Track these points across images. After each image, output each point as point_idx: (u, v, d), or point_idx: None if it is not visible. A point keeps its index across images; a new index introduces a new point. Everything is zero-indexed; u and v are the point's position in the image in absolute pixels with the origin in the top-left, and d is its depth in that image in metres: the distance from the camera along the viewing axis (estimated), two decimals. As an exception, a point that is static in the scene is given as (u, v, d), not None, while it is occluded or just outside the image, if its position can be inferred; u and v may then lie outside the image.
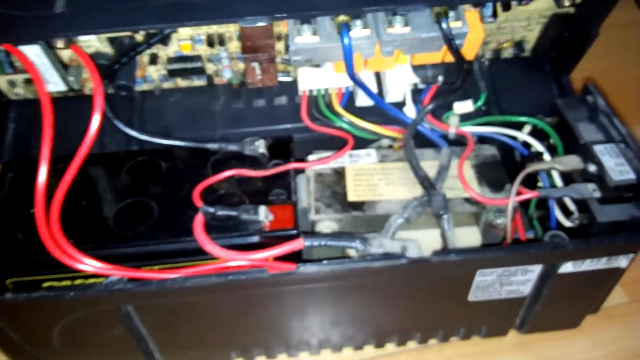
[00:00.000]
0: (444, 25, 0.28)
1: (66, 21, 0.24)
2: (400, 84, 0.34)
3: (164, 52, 0.32)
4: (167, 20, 0.25)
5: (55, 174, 0.28)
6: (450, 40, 0.29)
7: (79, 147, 0.27)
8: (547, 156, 0.32)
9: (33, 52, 0.28)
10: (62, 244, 0.27)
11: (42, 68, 0.30)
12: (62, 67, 0.31)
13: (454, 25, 0.29)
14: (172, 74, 0.33)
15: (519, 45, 0.36)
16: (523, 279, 0.30)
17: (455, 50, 0.29)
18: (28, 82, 0.33)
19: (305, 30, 0.28)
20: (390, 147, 0.36)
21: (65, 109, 0.31)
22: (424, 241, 0.30)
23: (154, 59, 0.32)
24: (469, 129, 0.34)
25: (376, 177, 0.33)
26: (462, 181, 0.31)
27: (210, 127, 0.36)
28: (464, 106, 0.35)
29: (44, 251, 0.28)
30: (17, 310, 0.28)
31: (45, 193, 0.26)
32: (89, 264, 0.26)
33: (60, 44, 0.25)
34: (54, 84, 0.32)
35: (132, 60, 0.30)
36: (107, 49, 0.30)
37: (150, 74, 0.34)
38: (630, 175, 0.29)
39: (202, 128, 0.36)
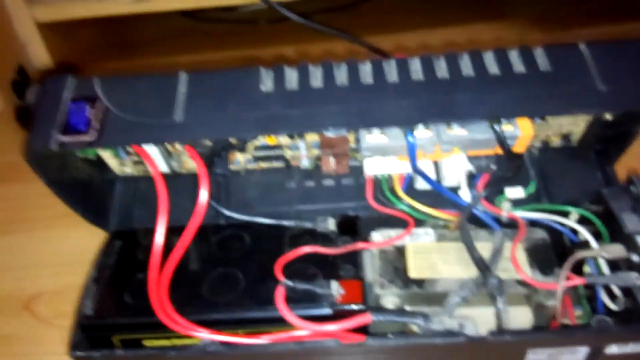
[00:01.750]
0: (497, 129, 0.32)
1: (184, 129, 0.30)
2: (456, 170, 0.38)
3: (252, 143, 0.37)
4: (266, 131, 0.30)
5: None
6: (502, 142, 0.33)
7: (189, 221, 0.32)
8: (593, 243, 0.35)
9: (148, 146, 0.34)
10: (170, 312, 0.32)
11: (152, 155, 0.36)
12: (167, 154, 0.37)
13: (507, 128, 0.33)
14: (257, 159, 0.39)
15: (566, 137, 0.40)
16: (571, 358, 0.33)
17: (507, 151, 0.33)
18: (136, 163, 0.39)
19: (375, 131, 0.33)
20: (445, 226, 0.39)
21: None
22: (479, 318, 0.33)
23: (243, 148, 0.37)
24: (520, 214, 0.37)
25: (434, 256, 0.36)
26: (514, 265, 0.35)
27: (286, 203, 0.41)
28: (515, 192, 0.38)
29: (149, 314, 0.33)
30: (125, 364, 0.33)
31: (160, 265, 0.32)
32: (196, 330, 0.31)
33: (178, 146, 0.31)
34: (159, 166, 0.37)
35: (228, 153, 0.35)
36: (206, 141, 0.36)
37: (238, 159, 0.39)
38: (671, 268, 0.31)
39: (278, 204, 0.41)
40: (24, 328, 0.45)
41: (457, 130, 0.33)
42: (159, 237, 0.31)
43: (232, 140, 0.35)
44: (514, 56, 0.33)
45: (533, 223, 0.38)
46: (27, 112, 0.33)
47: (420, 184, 0.39)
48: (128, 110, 0.31)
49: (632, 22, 0.63)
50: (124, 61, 0.71)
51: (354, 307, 0.33)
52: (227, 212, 0.37)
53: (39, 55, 0.63)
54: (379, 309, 0.33)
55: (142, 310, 0.34)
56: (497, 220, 0.38)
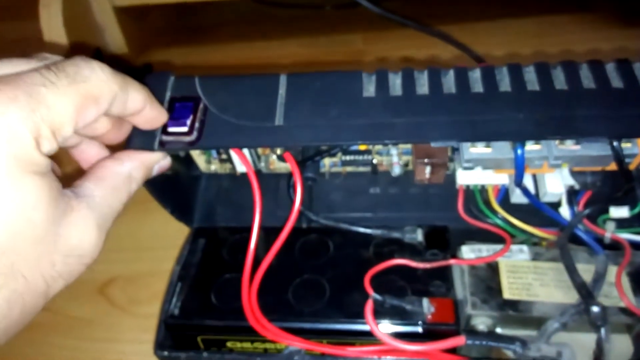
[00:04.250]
0: (617, 147, 0.30)
1: (285, 135, 0.29)
2: (558, 186, 0.35)
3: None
4: (369, 139, 0.28)
5: (243, 243, 0.32)
6: (621, 161, 0.30)
7: (282, 229, 0.31)
8: None
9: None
10: (261, 319, 0.31)
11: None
12: (256, 155, 0.36)
13: (624, 145, 0.30)
14: (344, 163, 0.37)
15: (680, 154, 0.37)
16: (679, 396, 0.31)
17: (626, 171, 0.30)
18: (222, 161, 0.38)
19: (479, 142, 0.31)
20: (536, 243, 0.37)
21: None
22: (577, 344, 0.31)
23: (336, 153, 0.36)
24: (626, 236, 0.35)
25: (530, 277, 0.34)
26: (619, 291, 0.32)
27: (369, 209, 0.40)
28: (620, 211, 0.36)
29: (236, 317, 0.33)
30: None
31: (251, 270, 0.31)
32: (287, 339, 0.30)
33: (279, 150, 0.30)
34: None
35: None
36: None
37: (324, 162, 0.38)
38: None
39: (361, 209, 0.40)
40: (99, 313, 0.46)
41: (570, 145, 0.31)
42: (253, 242, 0.30)
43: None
44: (638, 68, 0.30)
45: (635, 246, 0.36)
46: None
47: (516, 197, 0.37)
48: (228, 111, 0.30)
49: None
50: (192, 45, 0.71)
51: (446, 327, 0.32)
52: (312, 216, 0.36)
53: (115, 39, 0.63)
54: (472, 332, 0.32)
55: (229, 312, 0.33)
56: (599, 241, 0.35)
